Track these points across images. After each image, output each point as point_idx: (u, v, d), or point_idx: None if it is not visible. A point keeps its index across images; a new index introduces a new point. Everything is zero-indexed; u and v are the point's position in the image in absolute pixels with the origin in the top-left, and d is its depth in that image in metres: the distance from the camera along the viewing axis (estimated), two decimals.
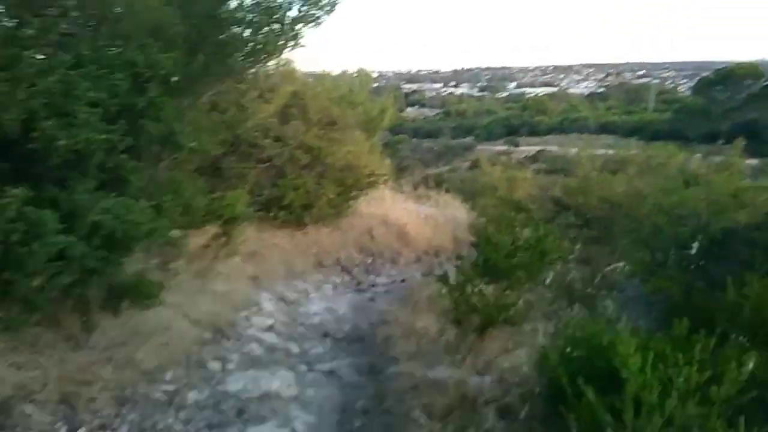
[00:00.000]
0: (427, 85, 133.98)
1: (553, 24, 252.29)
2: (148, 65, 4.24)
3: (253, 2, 5.19)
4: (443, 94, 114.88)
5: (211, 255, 6.06)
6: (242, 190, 6.55)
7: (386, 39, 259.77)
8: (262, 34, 5.22)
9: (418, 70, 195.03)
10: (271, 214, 7.91)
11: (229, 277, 6.01)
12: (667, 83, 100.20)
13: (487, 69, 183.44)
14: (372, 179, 9.25)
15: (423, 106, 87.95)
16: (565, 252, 4.69)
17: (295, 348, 5.17)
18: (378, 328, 5.54)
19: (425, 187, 13.38)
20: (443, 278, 4.43)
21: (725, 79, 46.06)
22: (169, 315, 4.52)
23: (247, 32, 5.18)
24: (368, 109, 15.86)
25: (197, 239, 5.91)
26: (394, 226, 9.25)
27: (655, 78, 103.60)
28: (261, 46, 5.20)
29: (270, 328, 5.54)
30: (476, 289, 4.16)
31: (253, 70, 5.69)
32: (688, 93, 77.54)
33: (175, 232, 4.84)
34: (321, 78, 16.97)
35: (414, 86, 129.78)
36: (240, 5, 5.20)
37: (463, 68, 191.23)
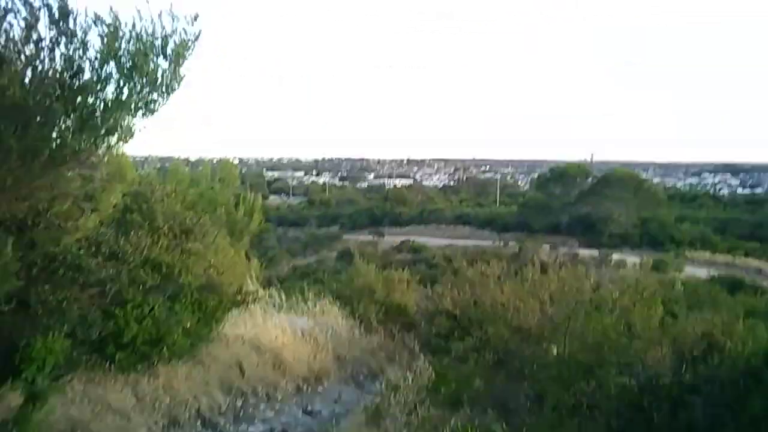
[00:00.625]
0: (289, 174, 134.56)
1: (405, 120, 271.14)
2: None
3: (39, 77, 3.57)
4: (306, 182, 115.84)
5: None
6: (59, 336, 4.74)
7: (246, 126, 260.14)
8: (59, 125, 3.66)
9: (280, 159, 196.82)
10: (106, 359, 5.92)
11: None
12: (508, 178, 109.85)
13: (347, 160, 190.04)
14: (240, 297, 7.82)
15: (286, 194, 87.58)
16: None
17: None
18: None
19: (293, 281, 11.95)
20: None
21: (560, 176, 51.25)
22: None
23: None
24: (233, 210, 14.09)
25: None
26: (268, 351, 7.76)
27: (497, 173, 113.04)
28: (59, 142, 3.65)
29: None
30: None
31: (55, 172, 4.04)
32: (527, 188, 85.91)
33: None
34: (173, 172, 14.52)
35: (276, 174, 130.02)
36: (13, 79, 3.50)
37: (324, 158, 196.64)
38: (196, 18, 4.35)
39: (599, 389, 4.71)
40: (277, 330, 8.39)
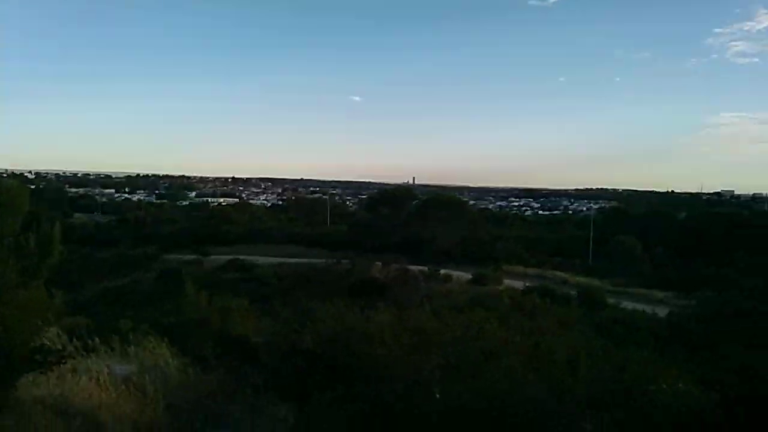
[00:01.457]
0: (97, 190, 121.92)
1: (230, 138, 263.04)
2: None
3: None
4: (118, 199, 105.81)
5: None
6: None
7: (43, 135, 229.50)
8: None
9: (86, 174, 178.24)
10: None
11: None
12: (337, 199, 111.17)
13: (165, 177, 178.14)
14: (39, 357, 5.87)
15: (94, 211, 78.77)
16: None
17: None
18: None
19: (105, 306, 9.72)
20: None
21: (390, 198, 52.91)
22: None
23: None
24: (23, 242, 11.16)
25: None
26: (79, 415, 5.79)
27: (325, 194, 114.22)
28: None
29: None
30: None
31: None
32: (355, 208, 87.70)
33: None
34: None
35: (82, 190, 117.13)
36: None
37: (138, 174, 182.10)
38: None
39: None
40: (91, 384, 6.44)
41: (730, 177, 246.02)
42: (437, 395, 5.66)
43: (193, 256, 38.68)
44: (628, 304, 27.11)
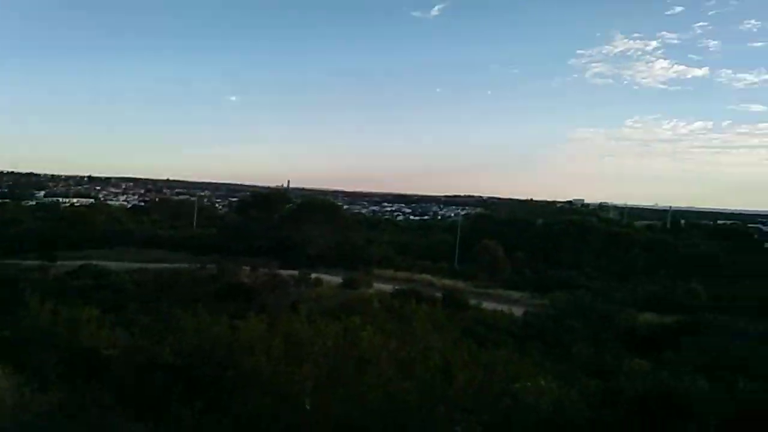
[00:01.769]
0: None
1: (88, 135, 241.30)
2: None
3: None
4: None
5: None
6: None
7: None
8: None
9: None
10: None
11: None
12: (205, 201, 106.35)
13: (10, 174, 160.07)
14: None
15: None
16: None
17: None
18: None
19: None
20: None
21: (263, 201, 51.76)
22: None
23: None
24: None
25: None
26: None
27: (192, 196, 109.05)
28: None
29: None
30: None
31: None
32: (225, 210, 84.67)
33: None
34: None
35: None
36: None
37: None
38: None
39: None
40: None
41: (583, 187, 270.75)
42: (307, 406, 5.44)
43: (38, 262, 34.88)
44: (488, 305, 28.82)
